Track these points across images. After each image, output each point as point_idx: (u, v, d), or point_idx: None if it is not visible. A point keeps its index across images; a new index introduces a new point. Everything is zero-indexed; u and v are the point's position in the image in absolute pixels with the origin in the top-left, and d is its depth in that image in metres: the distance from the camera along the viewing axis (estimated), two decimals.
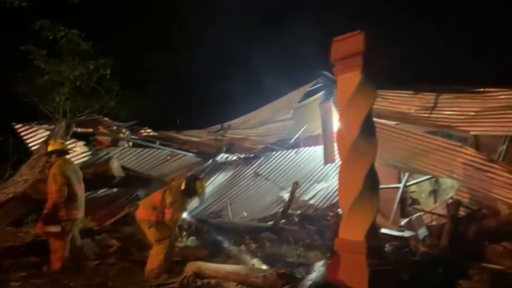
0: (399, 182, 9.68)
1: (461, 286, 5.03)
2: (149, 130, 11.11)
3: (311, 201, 9.49)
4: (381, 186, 9.68)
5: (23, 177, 7.54)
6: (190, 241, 6.84)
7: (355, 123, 4.23)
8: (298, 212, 8.83)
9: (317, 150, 10.88)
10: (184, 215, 6.09)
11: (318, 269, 4.47)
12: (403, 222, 7.64)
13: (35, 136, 9.14)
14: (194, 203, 7.77)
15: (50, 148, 6.12)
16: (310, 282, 4.10)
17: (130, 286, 4.96)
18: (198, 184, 5.92)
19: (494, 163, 7.39)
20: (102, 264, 6.33)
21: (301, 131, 11.34)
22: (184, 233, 6.36)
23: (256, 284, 4.75)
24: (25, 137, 9.19)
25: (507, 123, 7.40)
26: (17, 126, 9.34)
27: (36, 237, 7.54)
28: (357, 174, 4.15)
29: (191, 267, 5.45)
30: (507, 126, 7.43)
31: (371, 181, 4.18)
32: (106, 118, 10.91)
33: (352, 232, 4.08)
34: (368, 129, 4.27)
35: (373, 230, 4.11)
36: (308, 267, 4.92)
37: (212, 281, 4.99)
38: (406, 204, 9.63)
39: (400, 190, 9.46)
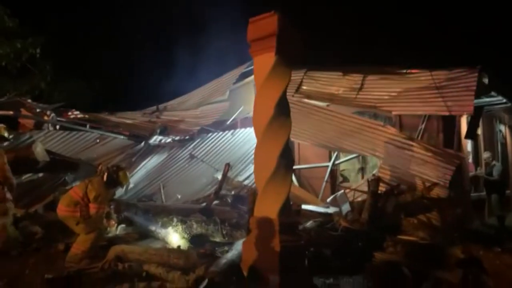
0: (330, 161, 10.03)
1: (376, 258, 5.35)
2: (76, 112, 10.65)
3: (246, 182, 9.60)
4: (312, 165, 10.11)
5: None
6: (120, 229, 6.72)
7: (270, 104, 4.30)
8: (232, 193, 8.92)
9: (253, 132, 10.96)
10: (110, 206, 5.95)
11: (236, 247, 4.56)
12: (329, 199, 7.96)
13: None
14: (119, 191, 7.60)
15: None
16: (225, 260, 4.17)
17: (49, 273, 4.78)
18: (121, 174, 5.82)
19: (413, 141, 7.84)
20: (24, 252, 6.10)
21: (238, 112, 11.37)
22: (113, 222, 6.23)
23: (178, 265, 4.77)
24: None
25: (426, 103, 7.82)
26: None
27: None
28: (272, 153, 4.24)
29: (114, 251, 5.36)
30: (426, 106, 7.86)
31: (285, 160, 4.28)
32: (29, 100, 10.32)
33: (266, 210, 4.17)
34: (282, 110, 4.35)
35: (287, 208, 4.23)
36: (231, 246, 5.02)
37: (134, 264, 4.92)
38: (336, 182, 10.02)
39: (329, 169, 9.82)
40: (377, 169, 8.31)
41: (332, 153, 10.03)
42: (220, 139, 10.93)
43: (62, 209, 5.67)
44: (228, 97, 11.20)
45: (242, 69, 10.82)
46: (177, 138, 10.42)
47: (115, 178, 5.78)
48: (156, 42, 21.62)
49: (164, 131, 10.42)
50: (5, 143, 6.19)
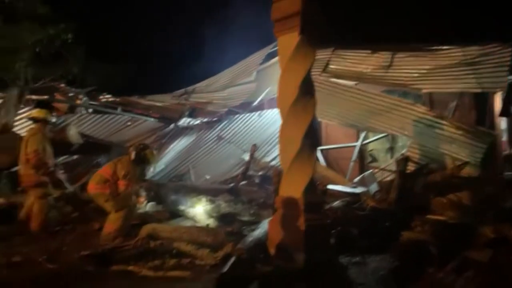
0: (358, 141, 9.95)
1: (403, 237, 5.33)
2: (108, 96, 10.94)
3: (273, 163, 9.66)
4: (339, 145, 10.04)
5: None
6: (150, 206, 6.95)
7: (294, 84, 4.30)
8: (260, 173, 9.02)
9: None
10: (139, 183, 6.14)
11: (262, 226, 4.65)
12: (357, 179, 7.92)
13: None
14: (149, 170, 7.81)
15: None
16: (251, 238, 4.27)
17: (85, 250, 5.03)
18: (148, 153, 5.99)
19: (443, 119, 7.66)
20: (61, 230, 6.42)
21: (264, 93, 11.37)
22: (142, 199, 6.44)
23: (207, 243, 4.92)
24: None
25: (458, 80, 7.60)
26: None
27: None
28: (296, 133, 4.26)
29: (146, 230, 5.57)
30: (457, 83, 7.64)
31: (310, 140, 4.29)
32: (63, 85, 10.66)
33: (291, 189, 4.23)
34: (307, 90, 4.34)
35: (312, 187, 4.27)
36: (258, 225, 5.13)
37: (165, 242, 5.11)
38: (365, 162, 9.94)
39: (357, 149, 9.73)
40: (406, 149, 8.19)
41: (360, 133, 9.93)
42: (247, 120, 11.00)
43: (93, 187, 5.90)
44: (255, 78, 11.19)
45: (268, 49, 10.77)
46: (205, 120, 10.56)
47: (143, 157, 5.95)
48: (183, 26, 21.70)
49: (192, 113, 10.58)
50: (49, 127, 6.40)
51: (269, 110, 11.36)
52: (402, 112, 8.02)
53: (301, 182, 4.18)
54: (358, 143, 9.80)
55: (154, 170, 6.63)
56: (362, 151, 9.97)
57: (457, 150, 7.27)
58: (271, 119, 10.99)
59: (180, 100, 11.34)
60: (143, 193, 6.51)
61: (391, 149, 9.70)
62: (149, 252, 4.79)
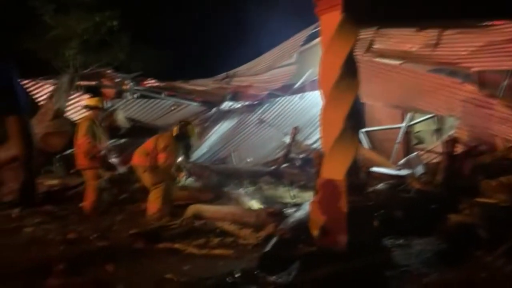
0: (404, 122, 9.68)
1: (450, 220, 5.18)
2: (153, 81, 11.21)
3: (315, 145, 9.60)
4: (384, 127, 9.82)
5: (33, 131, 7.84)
6: (189, 181, 7.13)
7: (336, 64, 4.22)
8: (301, 156, 9.00)
9: None
10: (179, 159, 6.30)
11: (304, 207, 4.67)
12: (402, 161, 7.74)
13: (42, 91, 9.38)
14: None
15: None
16: (293, 219, 4.31)
17: (133, 229, 5.27)
18: (190, 128, 6.20)
19: (493, 99, 7.29)
20: (111, 210, 6.75)
21: (306, 75, 11.24)
22: (182, 174, 6.62)
23: (249, 223, 5.02)
24: (33, 93, 9.43)
25: (511, 57, 7.18)
26: (24, 82, 9.55)
27: (51, 187, 8.04)
28: (338, 114, 4.20)
29: (191, 210, 5.75)
30: (510, 60, 7.22)
31: (352, 121, 4.22)
32: (109, 71, 11.01)
33: (333, 171, 4.20)
34: (349, 70, 4.26)
35: (354, 169, 4.22)
36: (299, 207, 5.15)
37: (209, 222, 5.25)
38: (410, 144, 9.68)
39: (402, 130, 9.48)
40: (454, 130, 7.89)
41: (406, 114, 9.65)
42: (289, 103, 10.95)
43: (135, 159, 6.22)
44: (296, 60, 11.05)
45: (309, 30, 10.58)
46: (247, 103, 10.61)
47: (184, 132, 6.17)
48: (226, 9, 21.67)
49: (234, 97, 10.66)
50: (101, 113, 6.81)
51: (311, 92, 11.23)
52: (450, 92, 7.70)
53: (343, 164, 4.14)
54: (404, 125, 9.54)
55: (195, 146, 6.78)
56: (407, 133, 9.70)
57: (508, 131, 6.92)
58: (312, 102, 10.87)
59: (221, 84, 11.43)
60: (183, 168, 6.71)
61: (438, 131, 9.36)
62: (194, 231, 4.97)
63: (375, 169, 7.16)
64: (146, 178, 6.04)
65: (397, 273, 3.37)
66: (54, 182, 8.10)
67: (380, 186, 6.22)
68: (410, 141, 9.81)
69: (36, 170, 8.34)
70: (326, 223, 4.10)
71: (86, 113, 6.86)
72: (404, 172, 7.07)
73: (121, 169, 7.98)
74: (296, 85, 11.43)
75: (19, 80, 2.04)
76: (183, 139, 6.21)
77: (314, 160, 5.66)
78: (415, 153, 7.65)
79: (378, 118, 10.14)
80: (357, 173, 4.33)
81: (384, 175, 6.90)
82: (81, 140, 6.41)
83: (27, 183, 6.60)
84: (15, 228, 5.58)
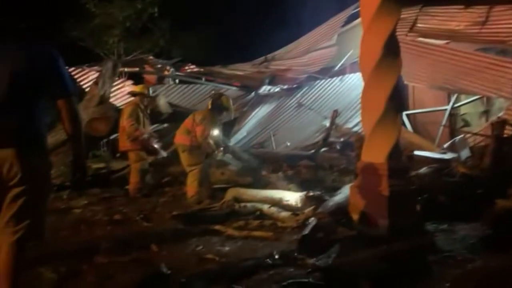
0: (449, 104, 9.32)
1: (497, 205, 4.98)
2: (193, 66, 11.36)
3: (355, 129, 9.43)
4: (428, 109, 9.52)
5: None
6: (226, 157, 7.21)
7: (377, 44, 4.10)
8: (341, 139, 8.87)
9: None
10: (216, 132, 6.36)
11: (344, 191, 4.62)
12: (447, 144, 7.47)
13: (87, 78, 9.72)
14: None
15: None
16: (332, 203, 4.28)
17: (176, 210, 5.43)
18: (224, 99, 6.28)
19: None
20: (155, 192, 6.97)
21: (346, 57, 11.00)
22: (220, 149, 6.71)
23: (288, 206, 5.04)
24: (79, 80, 9.79)
25: None
26: (70, 69, 9.93)
27: (97, 170, 8.38)
28: (379, 96, 4.09)
29: (231, 193, 5.83)
30: None
31: (394, 103, 4.10)
32: (151, 57, 11.25)
33: (374, 154, 4.11)
34: (391, 50, 4.12)
35: (396, 153, 4.12)
36: (339, 190, 5.10)
37: (248, 205, 5.31)
38: (456, 127, 9.32)
39: (447, 113, 9.13)
40: (503, 111, 7.51)
41: (452, 96, 9.27)
42: (328, 85, 10.79)
43: (177, 138, 6.35)
44: (336, 41, 10.83)
45: (350, 10, 10.33)
46: (285, 87, 10.54)
47: (219, 104, 6.24)
48: None
49: (272, 81, 10.61)
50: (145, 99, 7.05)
51: (351, 75, 11.01)
52: (499, 71, 7.31)
53: (385, 147, 4.04)
54: (449, 107, 9.19)
55: (231, 115, 6.85)
56: (453, 115, 9.34)
57: None
58: (353, 84, 10.67)
59: (260, 68, 11.41)
60: (221, 142, 6.79)
61: (486, 112, 8.95)
62: (234, 214, 5.04)
63: (418, 152, 6.96)
64: (185, 158, 6.17)
65: (440, 258, 3.29)
66: (101, 165, 8.45)
67: (424, 170, 6.04)
68: (455, 124, 9.45)
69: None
70: (366, 207, 4.05)
71: (131, 99, 7.17)
72: (449, 155, 6.83)
73: (163, 153, 8.20)
74: (336, 68, 11.23)
75: (64, 64, 2.14)
76: (219, 110, 6.28)
77: (354, 143, 5.59)
78: (461, 136, 7.35)
79: (421, 100, 9.81)
80: (399, 156, 4.21)
81: (427, 159, 6.69)
82: (124, 122, 6.65)
83: (76, 166, 6.88)
84: (65, 209, 5.87)
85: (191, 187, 6.10)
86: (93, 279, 3.09)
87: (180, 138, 6.25)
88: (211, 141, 6.16)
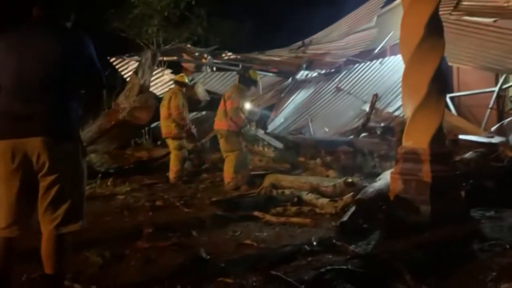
0: (496, 85, 8.86)
1: None
2: (230, 54, 11.37)
3: (396, 113, 9.16)
4: (474, 91, 9.10)
5: (121, 105, 8.37)
6: (259, 132, 7.23)
7: (419, 24, 3.94)
8: (381, 124, 8.66)
9: None
10: (247, 106, 6.38)
11: (384, 177, 4.52)
12: (494, 128, 7.13)
13: (128, 68, 9.94)
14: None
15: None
16: (372, 189, 4.20)
17: (215, 196, 5.52)
18: (251, 73, 6.36)
19: None
20: (194, 179, 7.10)
21: (387, 39, 10.66)
22: (253, 124, 6.75)
23: (326, 193, 5.00)
24: (119, 69, 10.04)
25: None
26: (111, 60, 10.19)
27: (139, 158, 8.63)
28: (421, 78, 3.94)
29: (269, 179, 5.86)
30: None
31: (437, 85, 3.95)
32: (189, 45, 11.36)
33: (416, 139, 3.98)
34: (434, 29, 3.94)
35: (439, 137, 3.97)
36: (379, 176, 4.99)
37: (287, 191, 5.31)
38: (504, 109, 8.86)
39: (495, 95, 8.68)
40: None
41: (500, 77, 8.80)
42: (368, 69, 10.51)
43: (216, 123, 6.42)
44: (375, 23, 10.50)
45: None
46: (323, 71, 10.37)
47: (247, 76, 6.32)
48: None
49: (310, 66, 10.47)
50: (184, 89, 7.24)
51: (392, 57, 10.66)
52: None
53: (427, 132, 3.91)
54: (496, 88, 8.73)
55: (259, 90, 6.89)
56: (500, 97, 8.88)
57: None
58: (393, 67, 10.32)
59: (297, 53, 11.27)
60: (253, 118, 6.81)
61: None
62: (272, 200, 5.06)
63: (463, 136, 6.69)
64: (222, 144, 6.24)
65: (486, 246, 3.15)
66: (142, 153, 8.69)
67: (469, 154, 5.79)
68: (503, 106, 8.98)
69: (126, 142, 9.01)
70: (407, 194, 3.95)
71: (172, 87, 7.43)
72: (496, 139, 6.52)
73: (202, 141, 8.33)
74: (376, 50, 10.91)
75: (93, 50, 2.18)
76: (247, 84, 6.32)
77: (395, 128, 5.43)
78: (509, 119, 6.98)
79: (466, 82, 9.38)
80: (442, 141, 4.06)
81: (473, 143, 6.41)
82: (173, 109, 6.87)
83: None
84: (109, 196, 6.08)
85: (227, 173, 6.18)
86: (136, 263, 3.19)
87: (219, 124, 6.31)
88: (242, 115, 6.16)
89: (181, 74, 8.11)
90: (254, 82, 6.39)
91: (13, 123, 2.24)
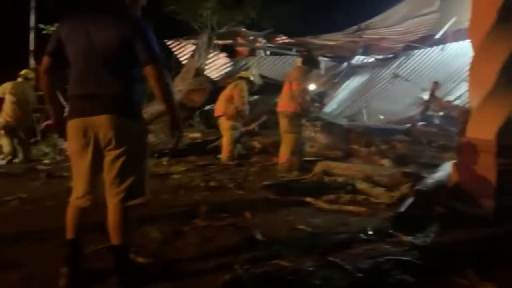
0: None
1: None
2: (284, 38, 11.28)
3: (456, 102, 8.77)
4: None
5: (177, 88, 8.59)
6: (322, 112, 7.20)
7: (491, 8, 3.72)
8: (440, 113, 8.32)
9: (468, 45, 9.69)
10: (311, 87, 6.38)
11: (444, 168, 4.36)
12: None
13: (184, 51, 10.13)
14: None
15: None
16: (432, 181, 4.07)
17: (266, 180, 5.57)
18: (314, 54, 6.50)
19: None
20: (246, 162, 7.19)
21: (449, 24, 10.15)
22: (316, 104, 6.73)
23: (381, 182, 4.90)
24: (176, 52, 10.26)
25: None
26: (169, 43, 10.42)
27: (193, 139, 8.83)
28: (491, 67, 3.74)
29: (320, 166, 5.82)
30: None
31: (508, 74, 3.73)
32: (243, 29, 11.37)
33: (481, 130, 3.80)
34: (507, 15, 3.72)
35: (507, 129, 3.76)
36: (438, 167, 4.83)
37: (339, 179, 5.26)
38: None
39: None
40: None
41: None
42: (427, 55, 10.09)
43: (280, 105, 6.40)
44: (438, 7, 10.02)
45: None
46: (380, 57, 10.07)
47: (311, 57, 6.34)
48: None
49: (366, 51, 10.20)
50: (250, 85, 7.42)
51: (454, 44, 10.16)
52: None
53: (494, 123, 3.71)
54: None
55: (320, 71, 6.87)
56: None
57: None
58: (455, 54, 9.86)
59: (353, 38, 11.00)
60: (316, 99, 6.77)
61: None
62: (324, 187, 5.02)
63: None
64: (284, 124, 6.23)
65: None
66: (196, 135, 8.88)
67: None
68: None
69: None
70: (469, 186, 3.80)
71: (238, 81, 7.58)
72: None
73: (255, 124, 8.39)
74: (437, 36, 10.43)
75: (153, 33, 2.26)
76: (310, 66, 6.28)
77: (458, 117, 5.20)
78: None
79: None
80: (510, 133, 3.84)
81: None
82: (237, 95, 7.12)
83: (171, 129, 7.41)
84: (165, 175, 6.28)
85: (284, 153, 6.20)
86: (194, 240, 3.30)
87: (284, 105, 6.26)
88: (307, 97, 6.14)
89: (232, 56, 8.18)
90: (317, 64, 6.38)
91: (83, 102, 2.43)
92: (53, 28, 9.40)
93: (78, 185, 2.53)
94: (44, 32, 10.10)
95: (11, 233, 3.45)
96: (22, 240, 3.29)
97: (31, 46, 10.49)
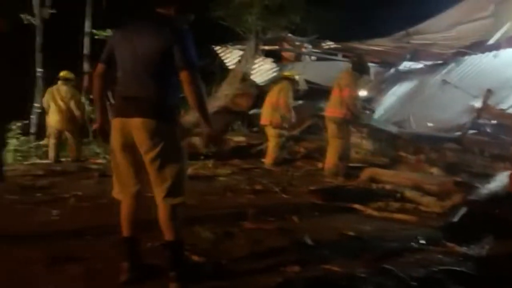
0: None
1: None
2: (330, 43, 11.23)
3: (510, 110, 8.41)
4: None
5: (224, 92, 8.76)
6: (372, 119, 7.10)
7: None
8: (493, 122, 8.02)
9: None
10: (361, 93, 6.31)
11: (500, 179, 4.22)
12: None
13: (231, 56, 10.30)
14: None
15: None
16: (486, 191, 3.95)
17: (311, 185, 5.57)
18: (364, 59, 6.41)
19: None
20: (290, 167, 7.22)
21: (503, 30, 9.75)
22: (366, 111, 6.65)
23: (431, 191, 4.79)
24: (223, 58, 10.45)
25: None
26: (216, 48, 10.64)
27: (238, 143, 8.97)
28: None
29: (367, 172, 5.77)
30: None
31: None
32: (289, 35, 11.42)
33: None
34: None
35: None
36: (492, 177, 4.67)
37: (387, 186, 5.19)
38: None
39: None
40: None
41: None
42: (479, 62, 9.72)
43: (328, 110, 6.39)
44: (492, 12, 9.66)
45: None
46: (429, 63, 9.82)
47: (361, 63, 6.31)
48: None
49: (414, 57, 9.98)
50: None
51: (507, 50, 9.74)
52: None
53: None
54: None
55: (370, 77, 6.78)
56: None
57: None
58: (509, 61, 9.44)
59: (400, 43, 10.79)
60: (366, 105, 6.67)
61: None
62: (371, 194, 4.96)
63: None
64: (332, 129, 6.20)
65: None
66: (241, 139, 9.01)
67: None
68: None
69: (225, 127, 9.39)
70: None
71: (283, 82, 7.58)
72: None
73: (299, 129, 8.42)
74: (490, 42, 10.04)
75: (191, 40, 2.35)
76: (360, 71, 6.23)
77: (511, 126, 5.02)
78: None
79: None
80: None
81: None
82: (283, 101, 7.08)
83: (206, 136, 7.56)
84: (211, 177, 6.40)
85: (330, 158, 6.19)
86: (244, 242, 3.37)
87: (333, 111, 6.23)
88: (357, 103, 6.13)
89: (278, 61, 8.19)
90: (367, 70, 6.35)
91: (124, 103, 2.59)
92: (105, 33, 9.83)
93: (118, 180, 2.70)
94: (96, 37, 10.57)
95: (71, 229, 3.63)
96: (82, 235, 3.45)
97: (86, 50, 10.99)
